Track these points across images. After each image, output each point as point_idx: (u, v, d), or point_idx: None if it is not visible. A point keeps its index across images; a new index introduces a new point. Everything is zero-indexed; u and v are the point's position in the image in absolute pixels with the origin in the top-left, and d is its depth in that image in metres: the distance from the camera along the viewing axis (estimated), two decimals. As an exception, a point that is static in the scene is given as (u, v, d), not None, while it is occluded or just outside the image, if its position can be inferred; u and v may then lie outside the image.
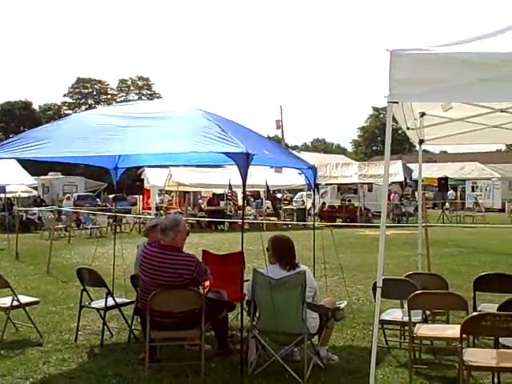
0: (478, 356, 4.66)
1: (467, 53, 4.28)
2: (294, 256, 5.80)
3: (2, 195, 22.16)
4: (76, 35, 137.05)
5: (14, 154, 6.08)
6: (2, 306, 6.96)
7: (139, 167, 28.98)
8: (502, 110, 6.23)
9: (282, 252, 5.78)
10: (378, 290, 4.59)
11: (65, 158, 6.61)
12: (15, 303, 6.94)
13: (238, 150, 5.33)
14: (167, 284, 5.60)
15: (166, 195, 34.05)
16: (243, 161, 5.40)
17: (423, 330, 5.49)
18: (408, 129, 7.13)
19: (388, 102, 4.40)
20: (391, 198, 32.72)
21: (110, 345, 6.75)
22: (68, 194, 33.36)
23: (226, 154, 5.50)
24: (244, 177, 5.50)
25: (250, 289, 5.73)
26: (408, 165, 30.57)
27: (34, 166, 23.68)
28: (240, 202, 26.41)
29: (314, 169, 7.99)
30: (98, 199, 40.92)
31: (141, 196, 37.23)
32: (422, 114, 6.91)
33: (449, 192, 40.63)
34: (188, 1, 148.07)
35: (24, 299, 7.24)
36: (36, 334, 7.03)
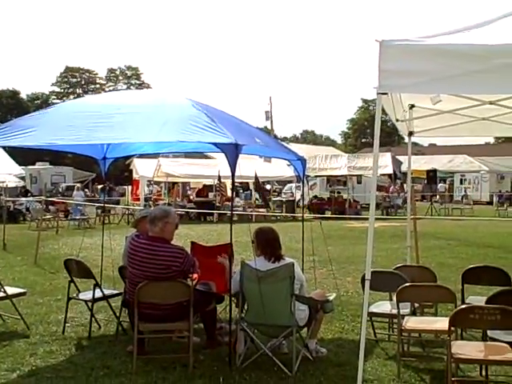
0: (466, 349, 4.67)
1: (456, 44, 4.27)
2: (278, 247, 5.77)
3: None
4: (64, 24, 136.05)
5: (-1, 142, 6.00)
6: (-12, 297, 6.91)
7: (128, 157, 28.83)
8: (491, 103, 6.23)
9: (266, 243, 5.75)
10: (367, 283, 4.58)
11: (51, 146, 6.52)
12: (2, 294, 6.89)
13: (227, 140, 5.29)
14: (155, 276, 5.57)
15: (155, 186, 33.92)
16: (232, 151, 5.36)
17: (411, 322, 5.50)
18: (397, 120, 7.13)
19: (377, 93, 4.39)
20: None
21: (98, 337, 6.71)
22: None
23: (215, 144, 5.46)
24: (233, 167, 5.46)
25: (235, 281, 5.71)
26: (397, 157, 30.64)
27: (21, 156, 23.55)
28: (229, 193, 26.36)
29: (303, 160, 7.96)
30: (86, 190, 40.68)
31: (129, 187, 37.07)
32: (412, 106, 6.91)
33: (439, 184, 40.81)
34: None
35: (11, 290, 7.18)
36: (23, 326, 6.97)
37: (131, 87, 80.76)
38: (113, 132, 5.78)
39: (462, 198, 35.08)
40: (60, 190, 36.35)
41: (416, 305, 6.03)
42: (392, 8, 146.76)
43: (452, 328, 4.61)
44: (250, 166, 22.08)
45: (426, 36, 4.37)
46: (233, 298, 5.94)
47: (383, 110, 5.81)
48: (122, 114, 6.00)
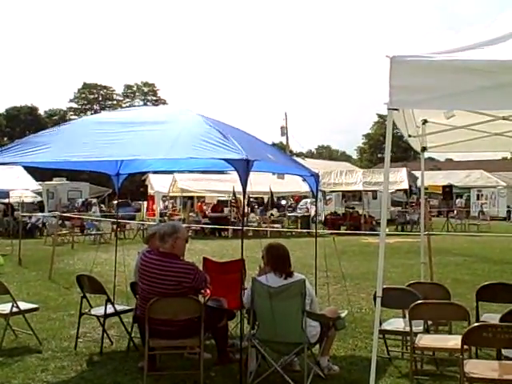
0: (480, 368, 4.59)
1: (468, 60, 4.24)
2: (288, 264, 5.73)
3: (7, 200, 22.21)
4: (82, 41, 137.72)
5: (14, 158, 6.06)
6: (2, 312, 6.93)
7: (142, 173, 29.02)
8: (504, 118, 6.17)
9: (276, 260, 5.73)
10: (378, 300, 4.53)
11: (65, 163, 6.58)
12: (15, 310, 6.91)
13: (238, 156, 5.29)
14: (166, 292, 5.56)
15: (171, 201, 34.05)
16: (243, 167, 5.35)
17: (424, 340, 5.43)
18: (409, 136, 7.08)
19: (388, 109, 4.37)
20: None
21: (110, 353, 6.71)
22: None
23: (226, 160, 5.46)
24: (244, 183, 5.45)
25: (247, 297, 5.68)
26: (413, 172, 30.44)
27: (39, 172, 23.69)
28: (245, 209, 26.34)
29: (316, 176, 7.94)
30: (102, 205, 40.88)
31: (145, 202, 37.27)
32: (424, 122, 6.86)
33: (457, 200, 40.43)
34: (194, 8, 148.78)
35: (23, 306, 7.21)
36: (35, 341, 6.99)
37: (148, 103, 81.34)
38: (125, 149, 5.82)
39: (478, 214, 34.71)
40: (76, 205, 36.54)
41: (430, 322, 5.96)
42: (408, 23, 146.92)
43: (465, 346, 4.53)
44: (264, 181, 22.09)
45: (437, 52, 4.35)
46: (244, 314, 5.91)
47: (395, 126, 5.78)
48: (135, 131, 6.04)
